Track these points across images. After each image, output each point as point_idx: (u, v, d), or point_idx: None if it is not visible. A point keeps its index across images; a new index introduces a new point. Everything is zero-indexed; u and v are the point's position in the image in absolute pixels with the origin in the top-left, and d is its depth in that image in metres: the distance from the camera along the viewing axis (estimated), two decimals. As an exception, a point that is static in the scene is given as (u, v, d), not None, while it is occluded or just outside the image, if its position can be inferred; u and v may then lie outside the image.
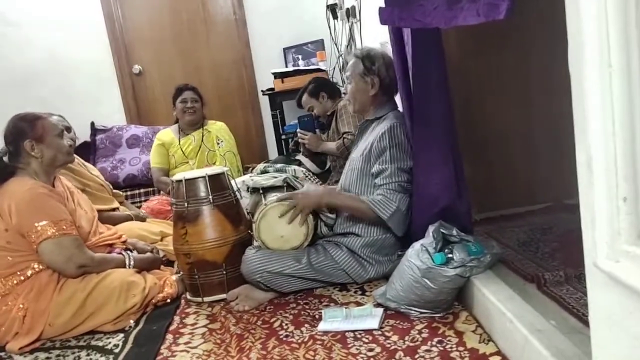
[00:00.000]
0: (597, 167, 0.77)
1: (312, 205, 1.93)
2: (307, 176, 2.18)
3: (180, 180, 2.02)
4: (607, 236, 0.77)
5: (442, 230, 1.64)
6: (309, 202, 1.92)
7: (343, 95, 2.35)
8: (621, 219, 0.74)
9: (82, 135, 3.77)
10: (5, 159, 1.95)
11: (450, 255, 1.57)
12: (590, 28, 0.76)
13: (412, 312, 1.64)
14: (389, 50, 1.99)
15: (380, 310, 1.68)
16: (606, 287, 0.79)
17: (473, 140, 2.08)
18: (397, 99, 2.02)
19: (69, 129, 2.67)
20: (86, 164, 2.87)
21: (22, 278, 1.87)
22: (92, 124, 3.98)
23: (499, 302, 1.39)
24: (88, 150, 3.84)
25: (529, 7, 1.76)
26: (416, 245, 1.64)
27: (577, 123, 0.82)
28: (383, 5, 1.36)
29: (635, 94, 0.72)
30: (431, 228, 1.64)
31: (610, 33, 0.73)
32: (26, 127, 1.96)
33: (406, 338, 1.51)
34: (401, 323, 1.61)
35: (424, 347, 1.45)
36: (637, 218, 0.73)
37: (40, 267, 1.88)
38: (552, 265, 1.60)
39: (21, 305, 1.84)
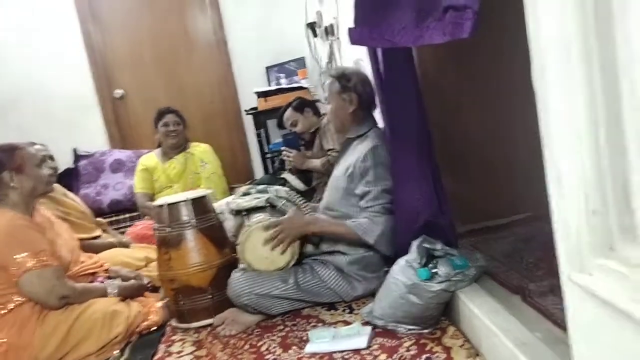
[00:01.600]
0: (567, 181, 0.78)
1: (297, 234, 1.92)
2: (290, 198, 2.16)
3: (163, 205, 2.00)
4: (580, 250, 0.77)
5: (425, 245, 1.64)
6: (294, 230, 1.91)
7: (324, 114, 2.37)
8: (592, 233, 0.74)
9: (65, 162, 3.73)
10: (-18, 191, 1.92)
11: (435, 270, 1.57)
12: (552, 47, 0.77)
13: (400, 329, 1.62)
14: (362, 67, 2.01)
15: (369, 328, 1.67)
16: (582, 300, 0.79)
17: (452, 153, 2.09)
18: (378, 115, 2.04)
19: (51, 157, 2.65)
20: (67, 192, 2.83)
21: (4, 312, 1.83)
22: (75, 150, 3.95)
23: (484, 315, 1.39)
24: (71, 177, 3.80)
25: (503, 18, 1.78)
26: (400, 261, 1.64)
27: (545, 138, 0.82)
28: (352, 24, 1.37)
29: (600, 109, 0.73)
30: (415, 243, 1.64)
31: (573, 51, 0.74)
32: (5, 158, 1.94)
33: (394, 356, 1.50)
34: (389, 340, 1.60)
35: (412, 365, 1.43)
36: (607, 231, 0.74)
37: (22, 299, 1.85)
38: (537, 276, 1.60)
39: (2, 340, 1.80)
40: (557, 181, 0.80)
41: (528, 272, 1.65)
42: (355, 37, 1.29)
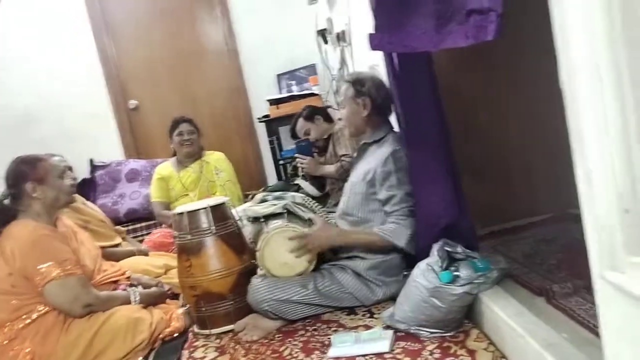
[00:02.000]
0: (597, 180, 0.78)
1: (323, 246, 1.94)
2: (306, 204, 2.17)
3: (182, 213, 2.02)
4: (612, 248, 0.77)
5: (446, 248, 1.64)
6: (320, 243, 1.93)
7: (338, 120, 2.37)
8: (624, 231, 0.75)
9: (81, 172, 3.77)
10: (6, 202, 1.96)
11: (456, 273, 1.57)
12: (579, 45, 0.77)
13: (422, 332, 1.62)
14: (378, 72, 2.01)
15: (390, 332, 1.67)
16: (614, 299, 0.79)
17: (472, 155, 2.09)
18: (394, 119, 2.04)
19: (70, 168, 2.68)
20: (86, 201, 2.87)
21: (28, 321, 1.85)
22: (91, 160, 4.00)
23: (508, 317, 1.39)
24: (89, 187, 3.84)
25: (522, 16, 1.77)
26: (421, 264, 1.64)
27: (573, 138, 0.83)
28: (372, 30, 1.39)
29: (628, 106, 0.73)
30: (435, 247, 1.64)
31: (600, 49, 0.74)
32: (27, 170, 1.97)
33: (418, 360, 1.50)
34: (412, 344, 1.60)
35: (436, 368, 1.43)
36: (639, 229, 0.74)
37: (46, 308, 1.87)
38: (560, 277, 1.59)
39: (27, 350, 1.82)
40: (587, 180, 0.80)
41: (550, 273, 1.65)
42: (375, 42, 1.30)
